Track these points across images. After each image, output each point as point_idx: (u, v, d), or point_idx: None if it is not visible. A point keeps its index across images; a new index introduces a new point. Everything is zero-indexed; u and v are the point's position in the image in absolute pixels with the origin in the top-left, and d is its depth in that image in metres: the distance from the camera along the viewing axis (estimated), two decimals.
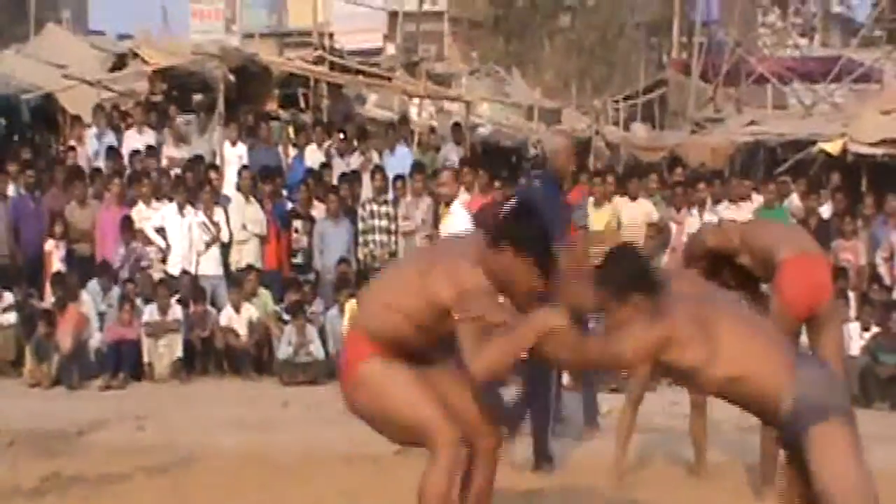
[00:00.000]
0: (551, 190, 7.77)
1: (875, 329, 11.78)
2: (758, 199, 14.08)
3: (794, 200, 14.84)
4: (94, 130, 15.51)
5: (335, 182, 14.64)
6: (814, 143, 18.59)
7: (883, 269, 13.33)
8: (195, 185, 13.86)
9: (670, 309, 4.53)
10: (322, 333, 12.16)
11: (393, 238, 13.79)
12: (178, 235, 13.22)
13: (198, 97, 17.92)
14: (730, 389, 4.55)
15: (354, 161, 15.56)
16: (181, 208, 13.26)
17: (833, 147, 18.01)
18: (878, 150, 17.72)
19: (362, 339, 4.86)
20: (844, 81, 24.36)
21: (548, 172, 8.19)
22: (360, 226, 13.75)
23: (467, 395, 4.91)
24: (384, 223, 13.74)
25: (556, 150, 8.21)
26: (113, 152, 14.75)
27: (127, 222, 13.05)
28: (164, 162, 14.99)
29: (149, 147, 14.89)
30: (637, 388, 7.57)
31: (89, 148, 15.22)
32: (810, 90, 24.01)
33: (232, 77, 17.30)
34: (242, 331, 12.29)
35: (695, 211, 13.79)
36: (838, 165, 17.72)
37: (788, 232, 7.48)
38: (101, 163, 14.63)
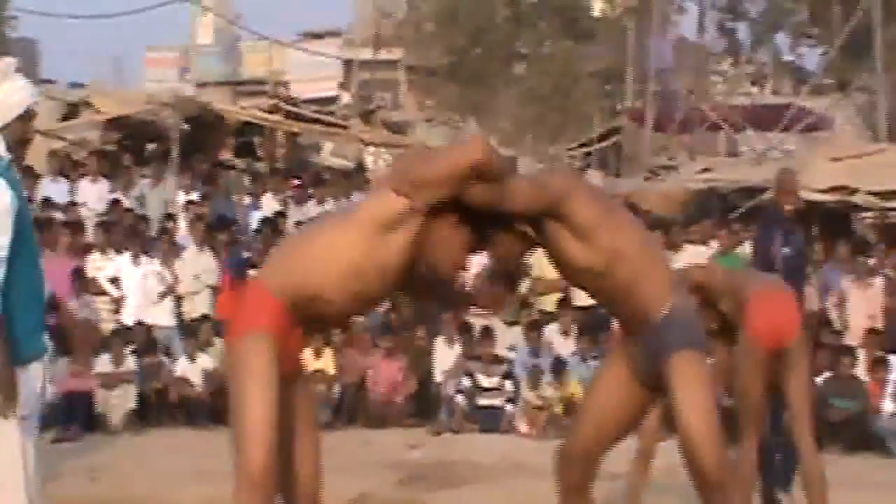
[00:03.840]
0: None
1: (826, 374, 11.91)
2: (714, 246, 14.27)
3: (748, 247, 15.00)
4: (47, 180, 15.45)
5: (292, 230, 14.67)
6: (766, 189, 18.77)
7: (833, 315, 13.49)
8: (149, 236, 13.87)
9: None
10: None
11: None
12: (133, 285, 13.21)
13: (152, 146, 17.94)
14: (614, 273, 4.43)
15: (311, 209, 15.61)
16: (136, 258, 13.26)
17: None
18: (829, 197, 17.91)
19: (267, 302, 4.31)
20: (795, 129, 24.65)
21: None
22: None
23: (312, 449, 4.47)
24: None
25: None
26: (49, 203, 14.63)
27: (78, 273, 13.00)
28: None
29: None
30: (646, 441, 7.41)
31: (40, 198, 15.16)
32: (762, 138, 24.28)
33: (186, 126, 17.33)
34: (198, 381, 12.26)
35: None
36: (771, 213, 17.85)
37: (757, 274, 7.64)
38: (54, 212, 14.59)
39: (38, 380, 4.88)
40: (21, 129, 4.89)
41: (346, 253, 4.24)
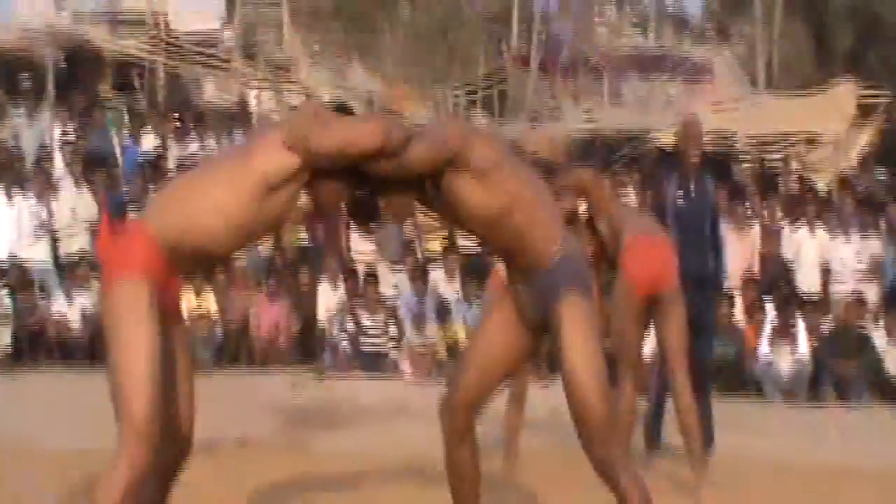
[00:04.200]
0: None
1: None
2: None
3: (629, 192, 15.12)
4: None
5: (172, 167, 14.42)
6: (648, 135, 18.94)
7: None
8: (22, 170, 13.53)
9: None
10: None
11: None
12: (5, 222, 12.89)
13: (26, 80, 17.43)
14: (510, 216, 4.38)
15: (192, 147, 15.36)
16: (9, 194, 12.93)
17: (666, 139, 18.36)
18: (709, 144, 18.11)
19: (146, 246, 4.14)
20: (676, 76, 24.84)
21: None
22: None
23: (189, 392, 4.40)
24: None
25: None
26: None
27: None
28: None
29: None
30: (519, 385, 7.53)
31: None
32: (645, 84, 24.43)
33: (62, 59, 16.89)
34: (76, 321, 12.02)
35: None
36: (670, 158, 18.04)
37: (636, 213, 7.65)
38: None
39: None
40: None
41: (237, 214, 4.14)
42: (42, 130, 15.21)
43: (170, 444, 4.29)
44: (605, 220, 7.15)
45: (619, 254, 7.03)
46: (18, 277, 12.30)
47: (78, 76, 17.92)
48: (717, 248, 8.28)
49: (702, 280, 7.73)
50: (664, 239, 7.28)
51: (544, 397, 7.80)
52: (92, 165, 13.72)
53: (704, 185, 8.20)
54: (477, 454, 4.66)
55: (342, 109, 4.51)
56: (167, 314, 4.21)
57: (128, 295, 4.05)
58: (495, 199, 4.37)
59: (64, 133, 14.98)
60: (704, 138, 17.76)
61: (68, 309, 12.11)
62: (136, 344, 4.00)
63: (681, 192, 8.16)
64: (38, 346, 12.01)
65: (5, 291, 11.95)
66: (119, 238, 4.42)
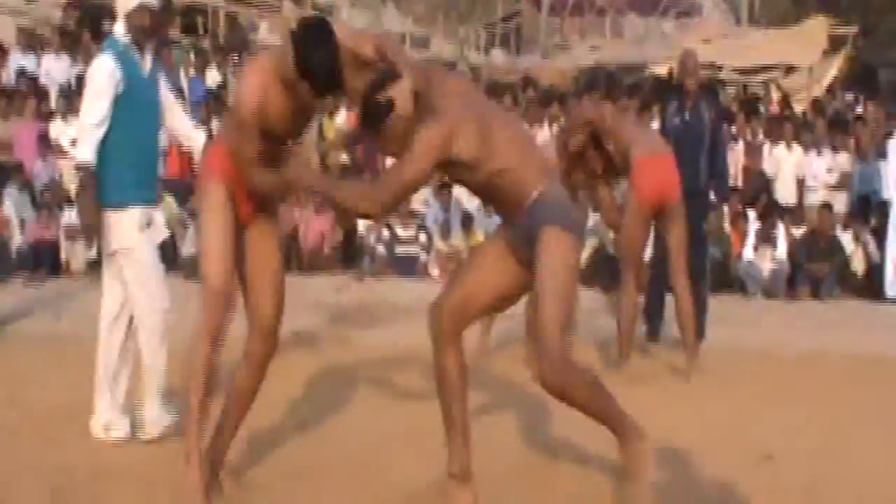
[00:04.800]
0: None
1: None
2: None
3: (631, 117, 14.87)
4: (17, 54, 14.86)
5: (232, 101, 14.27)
6: (646, 67, 18.66)
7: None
8: None
9: (446, 107, 4.07)
10: None
11: None
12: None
13: (108, 24, 17.24)
14: (494, 181, 4.11)
15: None
16: None
17: (662, 70, 18.10)
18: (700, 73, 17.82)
19: (221, 158, 4.37)
20: (671, 14, 24.44)
21: None
22: None
23: (270, 289, 4.47)
24: None
25: None
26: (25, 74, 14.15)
27: (44, 138, 12.61)
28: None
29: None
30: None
31: (11, 70, 14.56)
32: (643, 21, 24.06)
33: None
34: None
35: (545, 125, 13.74)
36: (666, 86, 17.77)
37: (645, 133, 7.45)
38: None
39: (137, 221, 5.23)
40: (139, 18, 5.24)
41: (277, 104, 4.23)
42: None
43: (256, 335, 4.46)
44: (613, 142, 7.00)
45: (627, 170, 6.88)
46: None
47: (151, 20, 17.70)
48: (715, 166, 8.01)
49: (694, 194, 7.51)
50: (669, 156, 7.11)
51: None
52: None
53: (700, 110, 7.97)
54: (462, 365, 4.34)
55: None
56: (245, 212, 4.43)
57: (209, 194, 4.36)
58: (491, 164, 4.09)
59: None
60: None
61: None
62: (212, 228, 4.33)
63: (678, 117, 8.01)
64: None
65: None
66: (204, 156, 4.67)
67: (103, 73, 5.18)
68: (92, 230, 5.20)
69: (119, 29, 5.30)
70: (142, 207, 5.28)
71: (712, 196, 8.19)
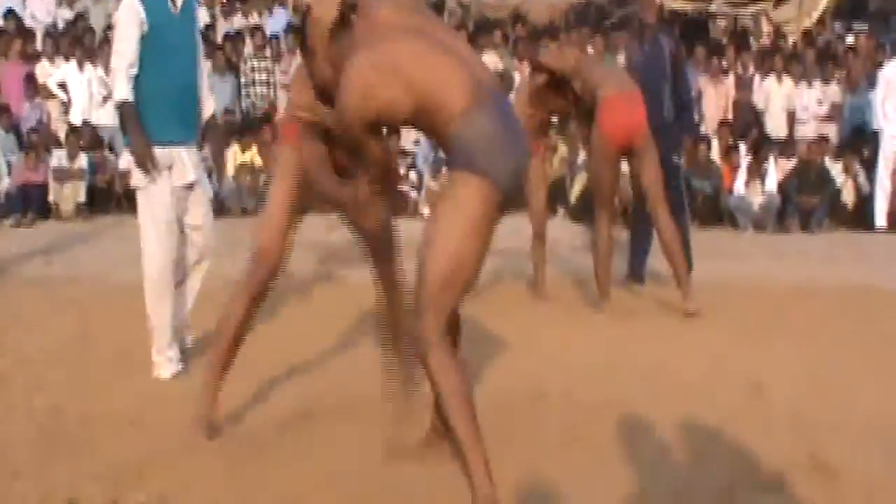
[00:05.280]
0: None
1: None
2: (590, 51, 13.96)
3: (621, 52, 14.74)
4: None
5: (220, 41, 14.09)
6: (635, 0, 18.44)
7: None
8: (92, 44, 13.22)
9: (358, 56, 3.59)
10: (210, 174, 11.78)
11: (272, 90, 13.46)
12: (79, 90, 12.67)
13: None
14: (417, 117, 3.58)
15: (237, 22, 15.00)
16: (80, 65, 12.67)
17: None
18: (689, 6, 17.65)
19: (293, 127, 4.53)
20: None
21: None
22: (243, 80, 13.40)
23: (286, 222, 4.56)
24: (264, 77, 13.42)
25: None
26: (12, 14, 13.95)
27: (30, 79, 12.47)
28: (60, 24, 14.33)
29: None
30: (537, 224, 7.56)
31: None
32: None
33: None
34: None
35: None
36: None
37: (611, 72, 7.38)
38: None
39: (178, 159, 5.35)
40: None
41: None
42: (108, 8, 14.83)
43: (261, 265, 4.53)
44: (579, 82, 7.00)
45: (594, 109, 6.85)
46: (91, 138, 12.09)
47: None
48: (680, 99, 7.90)
49: (660, 128, 7.39)
50: (635, 94, 7.03)
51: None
52: None
53: (659, 44, 7.86)
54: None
55: None
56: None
57: (282, 161, 4.62)
58: (410, 101, 3.54)
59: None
60: (684, 1, 17.36)
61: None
62: (276, 194, 4.56)
63: (639, 53, 8.01)
64: (109, 197, 11.86)
65: (81, 150, 11.76)
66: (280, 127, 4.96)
67: (126, 15, 5.25)
68: (142, 162, 5.23)
69: None
70: (164, 147, 5.28)
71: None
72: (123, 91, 5.23)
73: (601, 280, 7.11)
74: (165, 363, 5.37)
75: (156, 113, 5.25)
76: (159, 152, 5.28)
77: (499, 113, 3.55)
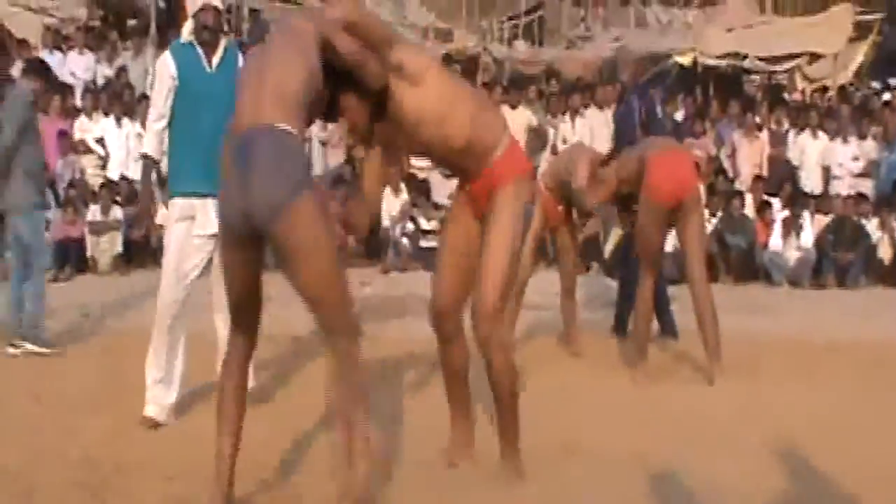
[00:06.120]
0: None
1: (719, 214, 11.86)
2: None
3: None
4: (43, 52, 14.95)
5: None
6: (669, 56, 18.53)
7: (727, 164, 13.40)
8: (131, 100, 13.46)
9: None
10: None
11: (307, 144, 13.61)
12: (117, 145, 12.89)
13: (132, 22, 17.34)
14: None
15: None
16: (118, 121, 12.90)
17: (685, 59, 17.99)
18: (723, 62, 17.74)
19: None
20: (694, 3, 24.27)
21: None
22: None
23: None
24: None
25: None
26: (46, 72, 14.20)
27: (63, 135, 12.68)
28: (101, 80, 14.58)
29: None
30: (567, 281, 7.57)
31: None
32: (666, 10, 23.89)
33: (162, 3, 16.76)
34: None
35: (567, 117, 13.71)
36: (689, 76, 17.72)
37: (650, 140, 7.36)
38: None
39: (201, 210, 5.41)
40: (203, 17, 5.48)
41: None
42: (146, 65, 15.09)
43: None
44: (625, 185, 6.96)
45: (640, 177, 6.78)
46: (127, 193, 12.26)
47: (175, 17, 17.74)
48: None
49: None
50: (683, 153, 7.05)
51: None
52: None
53: (631, 104, 7.96)
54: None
55: None
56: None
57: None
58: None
59: None
60: (718, 57, 17.42)
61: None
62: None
63: (617, 110, 8.30)
64: (146, 251, 11.99)
65: (117, 205, 11.93)
66: None
67: (159, 69, 5.57)
68: (140, 217, 5.56)
69: (187, 27, 5.55)
70: (188, 199, 5.43)
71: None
72: (147, 144, 5.56)
73: (640, 338, 6.94)
74: (149, 401, 5.50)
75: (181, 164, 5.45)
76: (181, 203, 5.44)
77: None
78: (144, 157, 5.64)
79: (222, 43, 5.56)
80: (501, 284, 4.27)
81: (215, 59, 5.52)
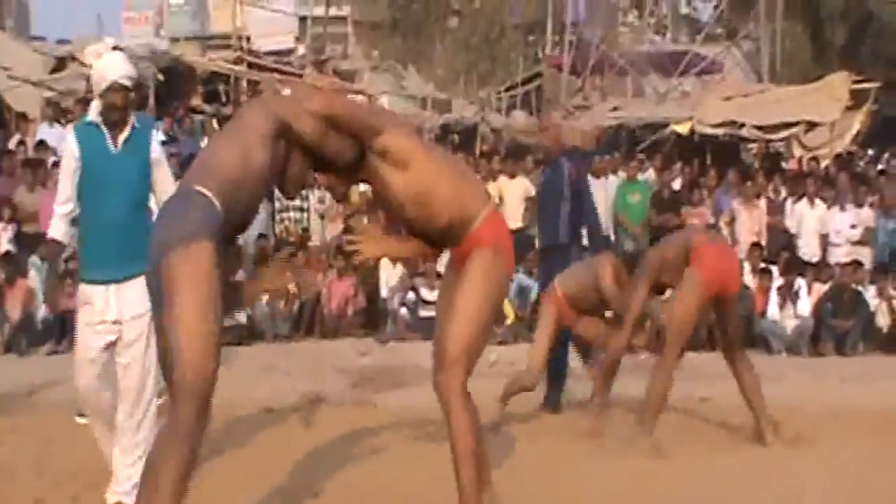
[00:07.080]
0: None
1: None
2: (622, 175, 14.29)
3: (651, 174, 15.04)
4: (43, 125, 15.17)
5: None
6: (667, 125, 18.78)
7: (725, 232, 13.54)
8: None
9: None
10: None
11: (306, 216, 13.75)
12: None
13: (131, 95, 17.57)
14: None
15: None
16: None
17: (683, 128, 18.25)
18: (720, 131, 17.97)
19: None
20: (691, 73, 24.61)
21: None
22: (277, 205, 13.68)
23: None
24: (298, 202, 13.67)
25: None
26: (43, 144, 14.38)
27: None
28: None
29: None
30: (609, 359, 7.38)
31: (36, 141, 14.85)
32: (663, 80, 24.22)
33: (161, 76, 17.01)
34: None
35: None
36: (687, 144, 17.96)
37: (692, 231, 7.53)
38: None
39: (95, 297, 5.18)
40: (111, 97, 5.19)
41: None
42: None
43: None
44: (667, 273, 7.03)
45: (681, 264, 6.85)
46: None
47: (174, 90, 18.02)
48: (588, 222, 8.22)
49: (555, 247, 8.03)
50: (730, 247, 7.19)
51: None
52: (185, 166, 13.77)
53: (560, 168, 8.17)
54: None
55: None
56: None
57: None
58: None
59: (161, 139, 15.04)
60: (715, 126, 17.62)
61: None
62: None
63: (543, 176, 8.66)
64: None
65: None
66: None
67: (64, 151, 5.43)
68: (46, 300, 5.45)
69: (94, 107, 5.28)
70: (89, 285, 5.20)
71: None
72: (52, 228, 5.32)
73: (652, 414, 6.88)
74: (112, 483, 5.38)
75: (82, 250, 5.29)
76: (82, 288, 5.24)
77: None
78: (50, 241, 5.37)
79: (131, 121, 5.26)
80: (467, 333, 4.36)
81: (121, 139, 5.22)
